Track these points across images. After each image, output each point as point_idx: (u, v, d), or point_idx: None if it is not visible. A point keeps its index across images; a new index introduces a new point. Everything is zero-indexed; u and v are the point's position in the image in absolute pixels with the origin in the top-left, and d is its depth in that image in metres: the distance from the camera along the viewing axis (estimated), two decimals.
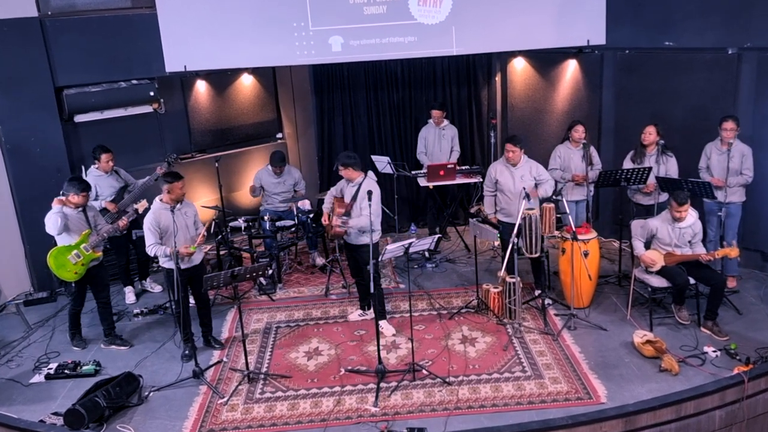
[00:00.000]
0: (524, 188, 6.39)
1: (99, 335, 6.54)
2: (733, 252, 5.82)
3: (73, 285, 6.19)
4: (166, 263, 5.95)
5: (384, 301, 6.51)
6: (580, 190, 7.17)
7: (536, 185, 6.53)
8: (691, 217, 6.02)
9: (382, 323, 6.37)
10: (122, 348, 6.40)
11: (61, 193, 6.17)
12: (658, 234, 6.10)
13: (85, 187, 6.07)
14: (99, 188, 7.00)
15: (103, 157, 6.99)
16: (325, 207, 6.51)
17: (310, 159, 9.42)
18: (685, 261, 6.03)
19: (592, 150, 7.21)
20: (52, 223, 5.95)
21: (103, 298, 6.39)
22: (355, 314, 6.75)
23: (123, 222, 6.29)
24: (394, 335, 6.34)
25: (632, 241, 6.31)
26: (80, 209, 6.10)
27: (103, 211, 6.90)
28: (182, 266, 5.87)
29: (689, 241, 6.07)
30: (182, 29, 7.48)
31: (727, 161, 6.45)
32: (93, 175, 7.02)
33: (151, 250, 5.85)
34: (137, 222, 7.15)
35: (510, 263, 6.14)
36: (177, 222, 5.85)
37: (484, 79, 9.10)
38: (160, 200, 5.91)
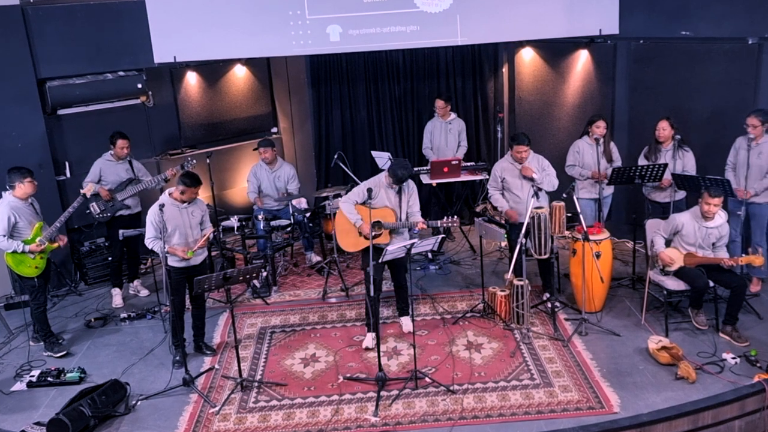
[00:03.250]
0: (533, 186, 6.38)
1: (76, 337, 6.56)
2: (758, 260, 5.81)
3: (36, 280, 6.23)
4: (170, 260, 5.97)
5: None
6: (594, 187, 7.16)
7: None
8: (719, 218, 6.00)
9: (404, 319, 6.51)
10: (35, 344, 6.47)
11: (6, 187, 6.20)
12: (684, 231, 6.07)
13: (27, 172, 6.15)
14: (104, 174, 7.10)
15: (119, 142, 7.08)
16: (357, 219, 6.02)
17: (307, 154, 9.41)
18: (705, 264, 6.02)
19: (612, 146, 7.21)
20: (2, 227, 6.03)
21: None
22: (369, 338, 6.32)
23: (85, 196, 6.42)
24: (409, 331, 6.33)
25: (653, 237, 6.27)
26: (29, 201, 6.19)
27: (96, 196, 6.97)
28: (180, 265, 5.95)
29: (713, 244, 6.06)
30: (172, 18, 7.47)
31: (753, 158, 6.41)
32: (103, 159, 7.15)
33: (149, 244, 5.92)
34: (128, 222, 7.19)
35: (518, 265, 6.14)
36: (181, 219, 5.92)
37: (490, 70, 9.09)
38: (170, 194, 5.95)
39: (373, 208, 5.96)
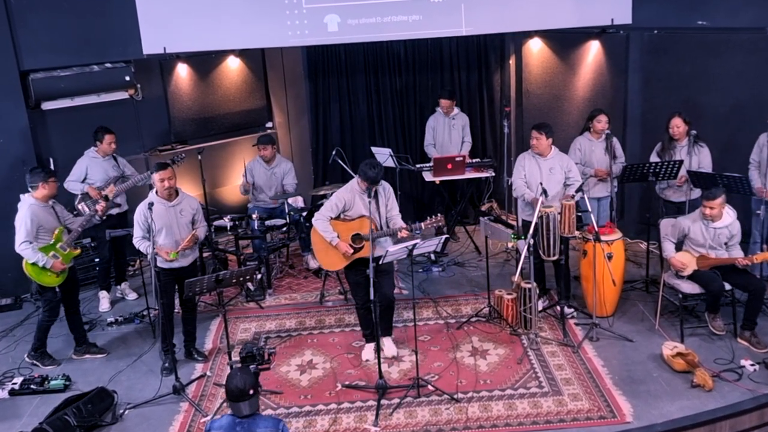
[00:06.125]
0: (540, 183, 6.38)
1: (66, 346, 6.54)
2: None
3: (57, 291, 6.15)
4: (158, 261, 5.95)
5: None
6: (603, 185, 7.16)
7: (565, 184, 6.45)
8: (728, 216, 6.00)
9: (385, 340, 6.29)
10: (98, 356, 6.41)
11: (29, 188, 6.12)
12: (691, 234, 6.08)
13: (51, 173, 6.09)
14: (90, 171, 7.08)
15: (107, 138, 7.07)
16: (332, 237, 5.80)
17: (304, 151, 9.41)
18: (719, 265, 6.01)
19: (615, 142, 7.20)
20: (23, 233, 5.92)
21: (74, 303, 6.41)
22: (369, 349, 6.27)
23: (100, 206, 6.33)
24: (393, 356, 6.21)
25: (662, 242, 6.29)
26: (50, 203, 6.10)
27: (85, 195, 6.96)
28: (167, 266, 5.94)
29: (725, 243, 6.05)
30: (162, 7, 7.46)
31: None
32: (88, 156, 7.12)
33: (136, 244, 5.94)
34: (115, 221, 7.18)
35: (526, 267, 6.13)
36: (168, 218, 5.90)
37: (496, 62, 9.08)
38: (156, 192, 5.94)
39: (349, 220, 5.85)
